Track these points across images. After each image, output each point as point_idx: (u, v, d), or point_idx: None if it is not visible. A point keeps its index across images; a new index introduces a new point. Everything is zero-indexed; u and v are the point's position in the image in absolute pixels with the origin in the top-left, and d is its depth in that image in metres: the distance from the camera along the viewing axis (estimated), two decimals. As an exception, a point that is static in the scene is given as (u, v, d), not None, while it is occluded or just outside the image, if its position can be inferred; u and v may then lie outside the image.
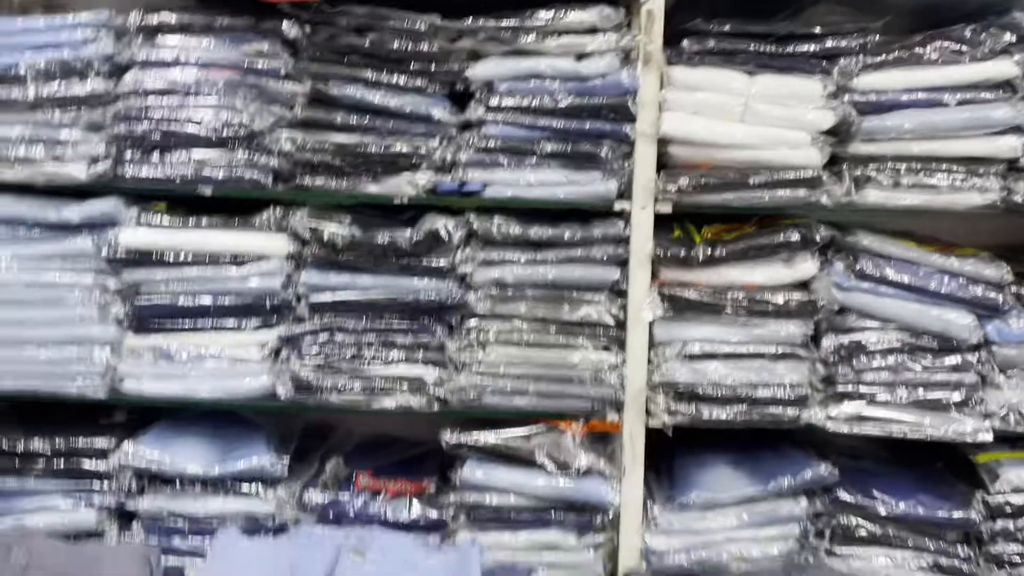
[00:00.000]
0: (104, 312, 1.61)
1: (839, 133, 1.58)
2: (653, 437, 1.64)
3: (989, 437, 1.57)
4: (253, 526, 1.58)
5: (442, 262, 1.59)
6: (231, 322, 1.62)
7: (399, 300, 1.59)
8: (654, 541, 1.62)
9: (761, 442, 1.72)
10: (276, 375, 1.62)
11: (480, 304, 1.61)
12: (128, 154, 1.57)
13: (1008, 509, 1.58)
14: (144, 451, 1.59)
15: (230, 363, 1.61)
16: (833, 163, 1.60)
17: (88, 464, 1.62)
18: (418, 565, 1.15)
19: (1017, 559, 1.58)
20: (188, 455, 1.62)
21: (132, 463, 1.58)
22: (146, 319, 1.61)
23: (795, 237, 1.58)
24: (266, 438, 1.69)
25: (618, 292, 1.63)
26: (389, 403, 1.62)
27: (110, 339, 1.61)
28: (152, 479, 1.62)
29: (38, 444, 1.62)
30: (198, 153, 1.56)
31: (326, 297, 1.60)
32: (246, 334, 1.62)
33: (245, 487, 1.61)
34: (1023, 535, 1.58)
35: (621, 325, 1.62)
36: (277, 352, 1.64)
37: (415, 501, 1.65)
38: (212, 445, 1.67)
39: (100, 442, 1.62)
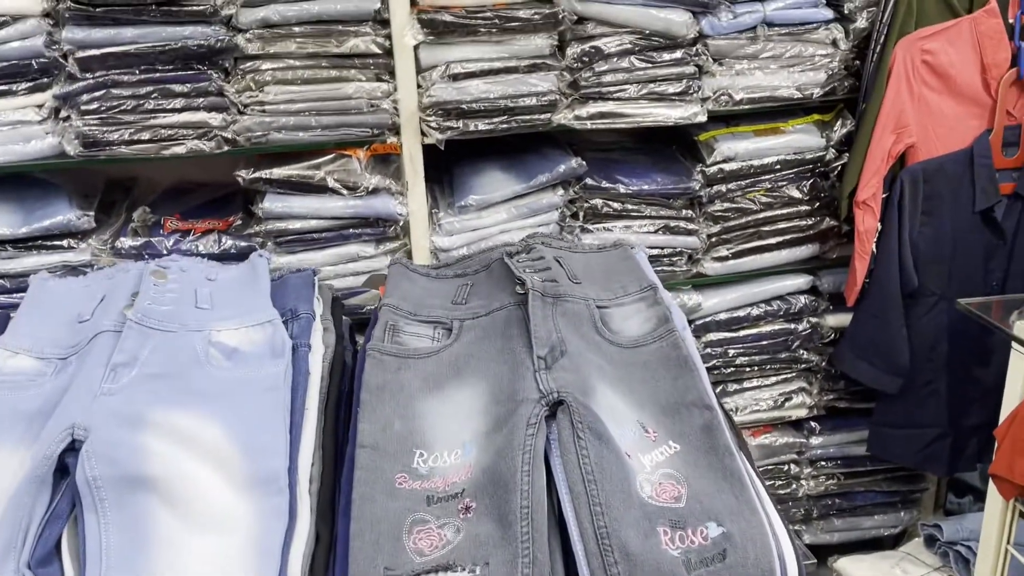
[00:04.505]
0: None
1: None
2: (431, 153, 1.83)
3: (704, 118, 1.84)
4: (74, 275, 1.70)
5: (204, 5, 1.58)
6: (2, 88, 1.59)
7: (168, 48, 1.60)
8: (440, 241, 1.84)
9: (525, 146, 1.94)
10: (61, 134, 1.64)
11: (251, 45, 1.66)
12: None
13: (720, 175, 1.89)
14: (-55, 221, 1.64)
15: (11, 128, 1.61)
16: None
17: None
18: (215, 278, 1.32)
19: (728, 214, 1.94)
20: (-9, 221, 1.68)
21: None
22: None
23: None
24: (67, 196, 1.74)
25: (381, 21, 1.71)
26: (180, 149, 1.69)
27: None
28: (-39, 245, 1.68)
29: None
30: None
31: (94, 52, 1.59)
32: (20, 98, 1.60)
33: (57, 241, 1.68)
34: (731, 194, 1.92)
35: (389, 53, 1.73)
36: (57, 111, 1.66)
37: (224, 236, 1.81)
38: (14, 209, 1.70)
39: None
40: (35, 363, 1.16)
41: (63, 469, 1.01)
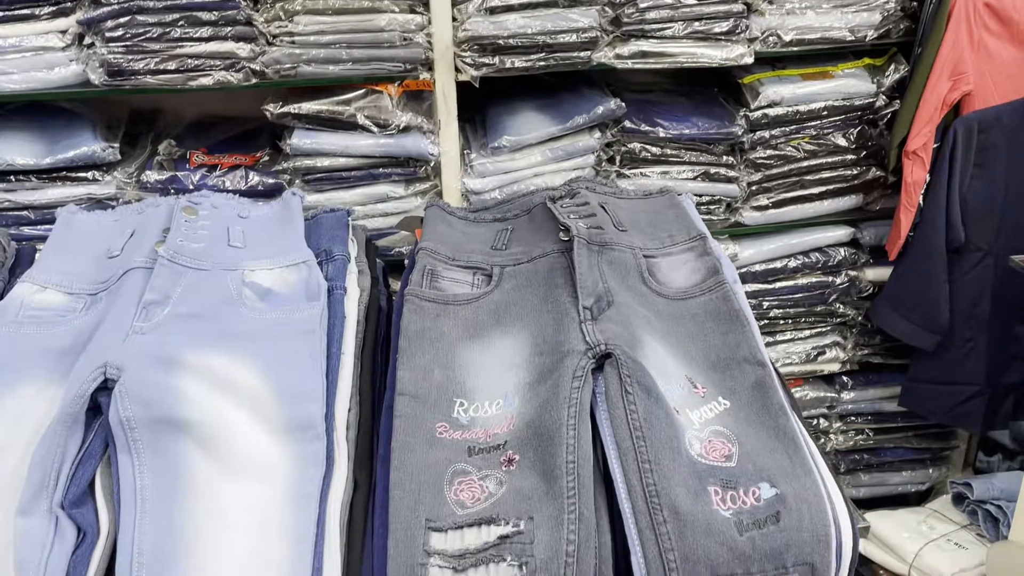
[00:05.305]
0: None
1: None
2: (465, 90, 1.77)
3: (751, 60, 1.76)
4: (100, 208, 1.66)
5: (233, -71, 1.53)
6: (24, 11, 1.53)
7: (195, -27, 1.56)
8: (472, 183, 1.79)
9: (562, 86, 1.87)
10: (85, 62, 1.59)
11: (281, -28, 1.60)
12: None
13: (764, 120, 1.81)
14: (-34, 149, 1.59)
15: (34, 54, 1.56)
16: None
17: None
18: (247, 216, 1.27)
19: (770, 161, 1.87)
20: (15, 150, 1.61)
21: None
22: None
23: None
24: (92, 127, 1.69)
25: (417, -50, 1.64)
26: (207, 81, 1.63)
27: None
28: (-15, 176, 1.64)
29: None
30: None
31: (118, -25, 1.54)
32: (43, 23, 1.55)
33: (82, 173, 1.64)
34: (775, 141, 1.85)
35: (423, -17, 1.66)
36: (81, 38, 1.60)
37: (251, 171, 1.76)
38: (38, 139, 1.65)
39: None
40: (64, 298, 1.13)
41: (95, 408, 0.98)
